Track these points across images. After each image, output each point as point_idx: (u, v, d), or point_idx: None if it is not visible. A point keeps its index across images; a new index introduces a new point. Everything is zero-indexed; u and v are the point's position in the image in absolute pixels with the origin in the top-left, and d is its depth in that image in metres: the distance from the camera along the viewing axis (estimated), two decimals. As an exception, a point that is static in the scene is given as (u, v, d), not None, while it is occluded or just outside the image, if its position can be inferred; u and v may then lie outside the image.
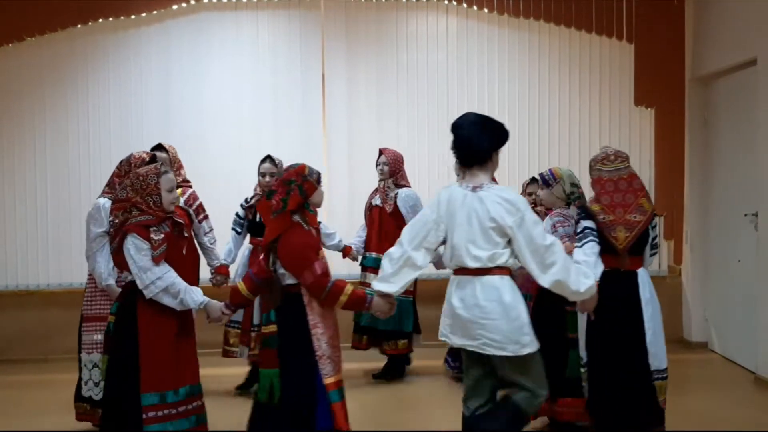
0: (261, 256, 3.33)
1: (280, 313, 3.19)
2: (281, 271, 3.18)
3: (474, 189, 3.09)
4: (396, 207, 5.09)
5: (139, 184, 3.16)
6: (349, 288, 3.16)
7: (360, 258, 5.23)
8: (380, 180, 5.21)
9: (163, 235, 3.12)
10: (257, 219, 4.76)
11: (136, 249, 3.10)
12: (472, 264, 3.05)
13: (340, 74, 6.19)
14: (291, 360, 3.15)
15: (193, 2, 6.05)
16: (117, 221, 3.18)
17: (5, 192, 6.06)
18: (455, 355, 4.90)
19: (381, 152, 5.23)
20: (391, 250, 3.24)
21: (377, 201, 5.19)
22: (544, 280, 3.01)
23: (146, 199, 3.15)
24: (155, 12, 6.02)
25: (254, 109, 6.15)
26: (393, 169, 5.16)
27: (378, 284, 3.21)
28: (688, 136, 6.17)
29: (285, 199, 3.19)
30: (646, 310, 3.59)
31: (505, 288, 3.04)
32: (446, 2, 6.18)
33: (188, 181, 4.65)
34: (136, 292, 3.13)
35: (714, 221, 5.98)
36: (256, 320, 4.69)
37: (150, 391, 3.08)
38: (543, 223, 3.82)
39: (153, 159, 4.04)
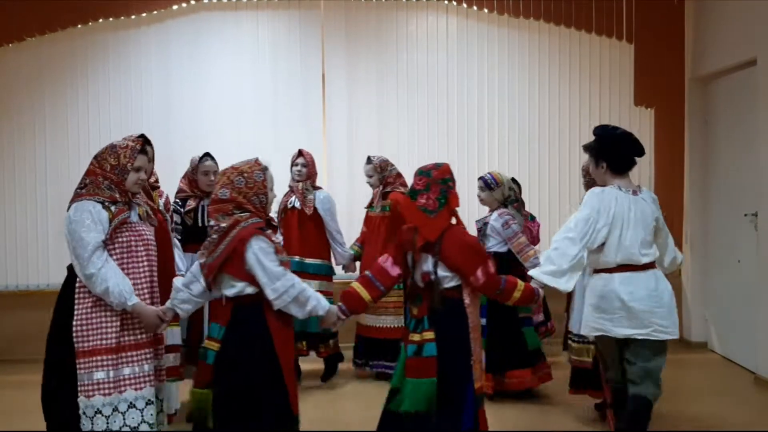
0: (387, 261, 3.13)
1: (440, 318, 3.00)
2: (443, 273, 3.02)
3: (634, 192, 3.52)
4: (315, 209, 5.01)
5: (243, 181, 2.86)
6: (521, 284, 3.13)
7: None
8: (297, 181, 5.05)
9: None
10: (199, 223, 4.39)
11: (264, 254, 2.75)
12: (645, 259, 3.41)
13: (340, 74, 6.19)
14: (450, 367, 2.98)
15: (193, 2, 6.05)
16: (222, 225, 2.79)
17: (5, 192, 6.06)
18: (360, 353, 5.18)
19: (300, 153, 5.07)
20: (563, 245, 3.34)
21: (295, 203, 5.03)
22: (669, 260, 3.73)
23: (253, 199, 2.85)
24: (155, 12, 6.02)
25: (254, 108, 6.15)
26: (311, 171, 5.07)
27: (551, 279, 3.30)
28: (688, 136, 6.17)
29: (442, 197, 3.11)
30: None
31: (665, 278, 3.54)
32: (446, 2, 6.19)
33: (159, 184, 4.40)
34: (259, 306, 2.78)
35: (714, 221, 5.98)
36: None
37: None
38: (500, 220, 4.53)
39: (144, 146, 3.49)
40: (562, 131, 6.24)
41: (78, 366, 2.85)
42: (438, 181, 3.17)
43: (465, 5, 6.15)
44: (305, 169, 5.04)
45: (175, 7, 6.02)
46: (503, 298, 3.11)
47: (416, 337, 2.99)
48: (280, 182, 5.57)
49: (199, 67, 6.11)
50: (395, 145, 6.20)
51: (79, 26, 5.96)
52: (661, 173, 6.22)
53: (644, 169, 6.26)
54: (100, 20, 5.96)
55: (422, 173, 3.24)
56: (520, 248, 4.54)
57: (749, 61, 5.23)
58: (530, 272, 3.41)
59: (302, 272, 4.80)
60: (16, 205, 6.08)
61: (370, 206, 5.25)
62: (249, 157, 6.01)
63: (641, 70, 6.18)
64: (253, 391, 2.75)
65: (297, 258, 4.92)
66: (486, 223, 4.71)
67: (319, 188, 5.16)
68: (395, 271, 3.09)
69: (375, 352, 5.11)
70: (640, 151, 3.67)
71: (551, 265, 3.32)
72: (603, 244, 3.38)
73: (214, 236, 2.81)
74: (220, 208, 2.84)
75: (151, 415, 2.94)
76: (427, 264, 3.03)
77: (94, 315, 2.90)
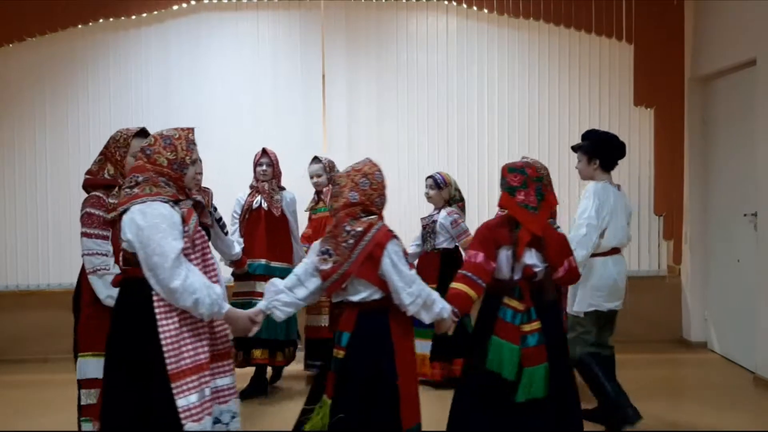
0: (480, 257, 3.15)
1: (544, 308, 3.15)
2: (544, 265, 3.17)
3: (618, 187, 4.18)
4: (283, 211, 4.89)
5: (368, 183, 2.81)
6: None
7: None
8: (262, 182, 4.91)
9: None
10: None
11: (399, 258, 2.74)
12: (627, 244, 4.24)
13: (340, 74, 6.19)
14: (554, 354, 3.13)
15: (193, 2, 6.05)
16: (357, 230, 2.75)
17: (5, 192, 6.06)
18: (313, 355, 5.02)
19: (264, 152, 4.94)
20: (590, 230, 3.92)
21: (262, 203, 4.87)
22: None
23: (377, 201, 2.82)
24: (155, 12, 6.02)
25: (254, 108, 6.15)
26: (276, 170, 4.96)
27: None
28: (688, 136, 6.18)
29: (539, 194, 3.23)
30: None
31: None
32: (446, 2, 6.19)
33: None
34: (385, 312, 2.77)
35: (714, 221, 5.98)
36: None
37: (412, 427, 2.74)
38: (449, 218, 4.91)
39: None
40: (562, 131, 6.23)
41: (173, 390, 2.51)
42: (534, 179, 3.27)
43: (465, 5, 6.15)
44: (270, 169, 4.91)
45: (175, 7, 6.02)
46: (574, 283, 3.51)
47: (527, 328, 3.08)
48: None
49: (199, 67, 6.11)
50: (395, 144, 6.21)
51: (80, 26, 5.96)
52: (660, 173, 6.22)
53: (644, 169, 6.26)
54: (101, 20, 5.96)
55: (515, 170, 3.29)
56: (468, 245, 4.62)
57: (749, 61, 5.23)
58: (580, 258, 3.67)
59: (269, 276, 4.72)
60: (16, 205, 6.08)
61: (314, 208, 5.11)
62: (249, 156, 6.05)
63: (641, 70, 6.18)
64: (367, 402, 2.74)
65: (263, 261, 4.79)
66: (434, 221, 4.98)
67: (284, 188, 5.02)
68: (491, 266, 3.14)
69: (327, 351, 4.95)
70: (624, 153, 4.29)
71: (584, 250, 3.89)
72: (604, 231, 4.01)
73: (351, 241, 2.76)
74: (351, 212, 2.81)
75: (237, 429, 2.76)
76: (532, 258, 3.15)
77: (185, 332, 2.58)
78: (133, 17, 6.01)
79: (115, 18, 5.96)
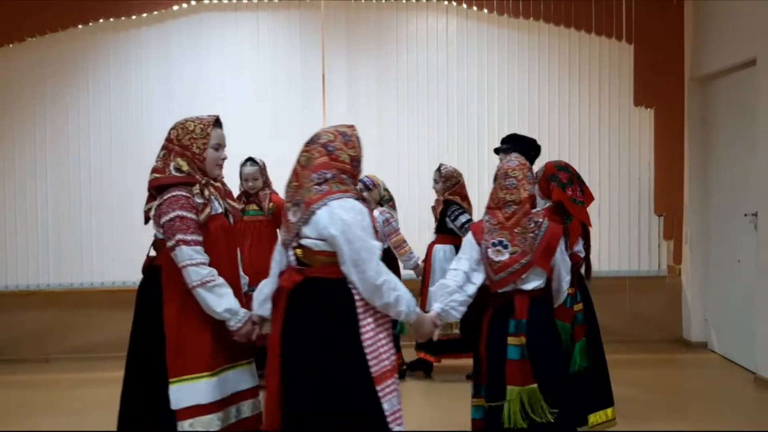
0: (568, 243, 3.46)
1: (584, 290, 3.64)
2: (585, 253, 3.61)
3: None
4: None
5: (532, 177, 3.05)
6: None
7: None
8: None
9: None
10: None
11: (563, 248, 2.99)
12: None
13: (340, 74, 6.19)
14: (590, 331, 3.62)
15: (193, 2, 6.05)
16: (538, 221, 2.87)
17: (5, 192, 6.06)
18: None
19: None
20: None
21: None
22: None
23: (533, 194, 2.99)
24: (155, 12, 6.02)
25: (254, 108, 6.15)
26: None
27: None
28: (688, 136, 6.18)
29: (582, 189, 3.66)
30: None
31: None
32: (446, 2, 6.19)
33: None
34: (549, 299, 2.98)
35: (714, 221, 5.98)
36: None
37: None
38: (381, 217, 4.97)
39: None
40: (562, 131, 6.24)
41: (378, 393, 2.49)
42: (576, 176, 3.69)
43: (465, 5, 6.15)
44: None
45: (175, 7, 6.03)
46: None
47: (576, 308, 3.52)
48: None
49: (199, 67, 6.12)
50: (395, 144, 6.21)
51: (80, 26, 5.97)
52: (660, 173, 6.22)
53: (644, 169, 6.26)
54: (101, 20, 5.96)
55: (563, 168, 3.71)
56: (398, 244, 5.07)
57: (749, 61, 5.23)
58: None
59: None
60: (16, 205, 6.08)
61: (244, 210, 4.88)
62: (248, 156, 6.03)
63: (641, 70, 6.18)
64: (556, 388, 2.84)
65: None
66: None
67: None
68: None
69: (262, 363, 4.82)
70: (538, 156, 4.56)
71: None
72: None
73: (532, 234, 2.83)
74: (531, 205, 2.92)
75: None
76: (578, 246, 3.55)
77: (380, 333, 2.55)
78: (133, 17, 6.01)
79: (115, 18, 5.96)
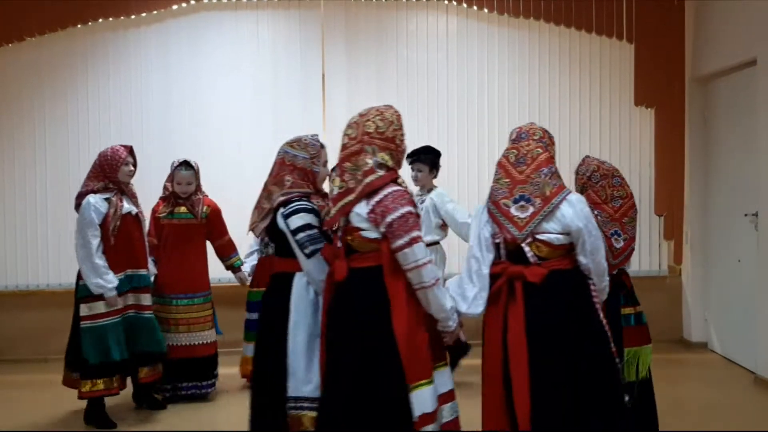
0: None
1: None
2: None
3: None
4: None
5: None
6: None
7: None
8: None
9: None
10: None
11: None
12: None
13: (340, 74, 6.19)
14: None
15: (193, 2, 6.05)
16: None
17: (5, 192, 6.06)
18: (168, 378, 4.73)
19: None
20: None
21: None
22: None
23: None
24: (155, 12, 6.02)
25: (254, 108, 6.15)
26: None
27: None
28: (688, 136, 6.17)
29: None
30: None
31: None
32: (446, 2, 6.18)
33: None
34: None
35: (714, 221, 5.98)
36: None
37: None
38: None
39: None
40: (562, 131, 6.22)
41: None
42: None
43: (465, 5, 6.15)
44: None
45: (175, 7, 6.02)
46: None
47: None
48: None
49: (198, 66, 6.11)
50: (395, 145, 6.19)
51: (79, 26, 5.96)
52: (661, 173, 6.22)
53: (645, 169, 6.26)
54: (100, 20, 5.96)
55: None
56: None
57: (749, 61, 5.23)
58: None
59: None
60: (16, 205, 6.08)
61: (172, 212, 4.71)
62: (249, 156, 6.03)
63: (641, 70, 6.18)
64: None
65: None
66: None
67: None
68: None
69: (186, 373, 4.68)
70: None
71: None
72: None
73: (632, 225, 3.31)
74: None
75: None
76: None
77: None
78: (133, 17, 6.01)
79: (115, 18, 5.96)
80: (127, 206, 4.28)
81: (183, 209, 4.72)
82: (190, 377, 4.71)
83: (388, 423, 2.58)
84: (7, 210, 6.06)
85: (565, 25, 6.13)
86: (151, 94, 6.07)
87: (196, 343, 4.72)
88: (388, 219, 2.62)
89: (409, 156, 4.84)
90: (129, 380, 4.39)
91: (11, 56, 6.00)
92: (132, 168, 4.34)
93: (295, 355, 2.95)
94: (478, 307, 2.78)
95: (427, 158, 4.89)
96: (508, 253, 2.78)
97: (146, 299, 4.33)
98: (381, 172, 2.69)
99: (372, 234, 2.68)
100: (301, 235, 2.96)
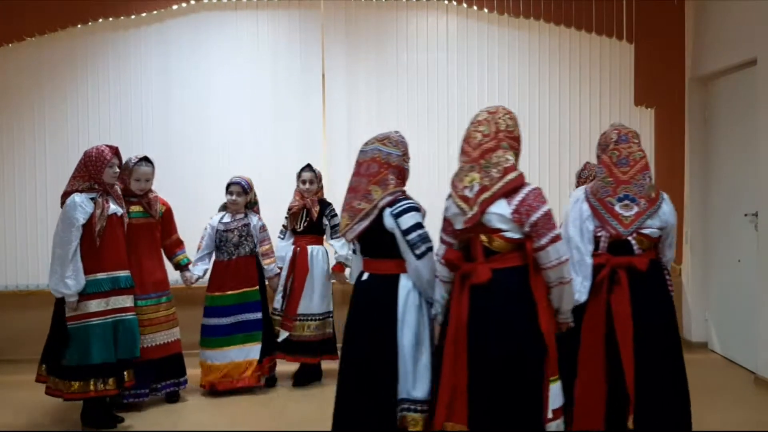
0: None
1: None
2: None
3: None
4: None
5: None
6: None
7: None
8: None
9: None
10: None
11: None
12: None
13: (340, 74, 6.18)
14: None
15: (193, 2, 6.05)
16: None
17: (5, 192, 6.06)
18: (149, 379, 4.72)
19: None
20: None
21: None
22: None
23: None
24: (155, 12, 6.01)
25: (254, 108, 6.14)
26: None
27: None
28: (688, 136, 6.17)
29: None
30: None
31: None
32: (446, 2, 6.18)
33: None
34: None
35: (714, 221, 5.98)
36: (301, 309, 5.04)
37: None
38: (260, 223, 5.09)
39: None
40: (562, 131, 6.23)
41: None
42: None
43: (465, 5, 6.15)
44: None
45: (175, 7, 6.02)
46: None
47: None
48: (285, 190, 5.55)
49: (198, 66, 6.11)
50: (395, 145, 6.19)
51: (79, 26, 5.96)
52: (661, 173, 6.21)
53: (644, 169, 6.25)
54: (100, 20, 5.95)
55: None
56: (267, 252, 5.11)
57: (749, 61, 5.23)
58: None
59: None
60: (16, 205, 6.08)
61: (129, 212, 4.57)
62: (249, 156, 6.00)
63: (641, 70, 6.18)
64: None
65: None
66: (247, 224, 5.03)
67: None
68: None
69: (165, 371, 4.72)
70: None
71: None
72: None
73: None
74: None
75: None
76: None
77: None
78: (133, 17, 6.00)
79: (114, 18, 5.95)
80: (113, 207, 4.26)
81: (138, 208, 4.64)
82: (167, 375, 4.75)
83: (529, 417, 2.70)
84: (7, 210, 6.05)
85: (565, 25, 6.13)
86: (151, 94, 6.07)
87: (170, 340, 4.74)
88: (533, 218, 2.69)
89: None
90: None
91: (11, 56, 6.00)
92: (117, 170, 4.30)
93: (404, 358, 2.96)
94: (582, 296, 3.10)
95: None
96: (609, 246, 3.18)
97: (130, 300, 4.30)
98: (519, 171, 2.75)
99: (515, 234, 2.73)
100: (412, 234, 2.97)
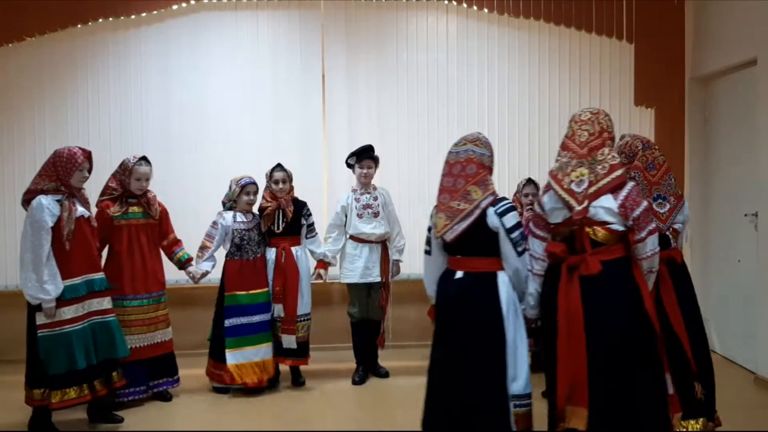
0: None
1: None
2: None
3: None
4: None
5: None
6: None
7: None
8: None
9: None
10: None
11: None
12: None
13: (340, 74, 6.18)
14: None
15: (193, 2, 6.05)
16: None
17: (5, 192, 6.06)
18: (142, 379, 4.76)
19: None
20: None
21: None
22: None
23: None
24: (155, 12, 6.02)
25: (254, 108, 6.14)
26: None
27: None
28: (688, 136, 6.17)
29: None
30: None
31: None
32: (446, 2, 6.18)
33: None
34: None
35: (714, 221, 5.98)
36: (300, 311, 5.05)
37: None
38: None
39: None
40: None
41: None
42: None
43: (465, 5, 6.15)
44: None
45: (175, 7, 6.02)
46: None
47: None
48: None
49: (198, 66, 6.11)
50: (395, 144, 6.20)
51: (79, 26, 5.96)
52: (661, 173, 6.21)
53: (644, 169, 6.25)
54: (100, 20, 5.95)
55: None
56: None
57: (749, 60, 5.23)
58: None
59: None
60: (16, 205, 6.06)
61: (126, 213, 4.66)
62: (249, 156, 6.00)
63: (641, 70, 6.18)
64: None
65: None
66: (259, 224, 5.09)
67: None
68: None
69: (159, 370, 4.79)
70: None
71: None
72: None
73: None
74: None
75: None
76: None
77: None
78: (133, 17, 6.00)
79: (114, 18, 5.96)
80: (80, 209, 4.19)
81: (136, 209, 4.67)
82: (161, 374, 4.80)
83: (650, 396, 2.96)
84: (7, 210, 6.05)
85: (565, 25, 6.13)
86: (151, 94, 6.07)
87: (165, 339, 4.80)
88: (636, 212, 2.98)
89: (357, 154, 5.19)
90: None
91: (11, 56, 5.99)
92: (87, 174, 4.22)
93: (509, 353, 3.13)
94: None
95: (376, 156, 5.30)
96: None
97: (107, 302, 4.27)
98: (624, 168, 3.08)
99: (619, 227, 3.01)
100: (515, 233, 3.15)
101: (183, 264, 4.93)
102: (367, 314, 5.31)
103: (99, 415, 4.36)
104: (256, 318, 4.93)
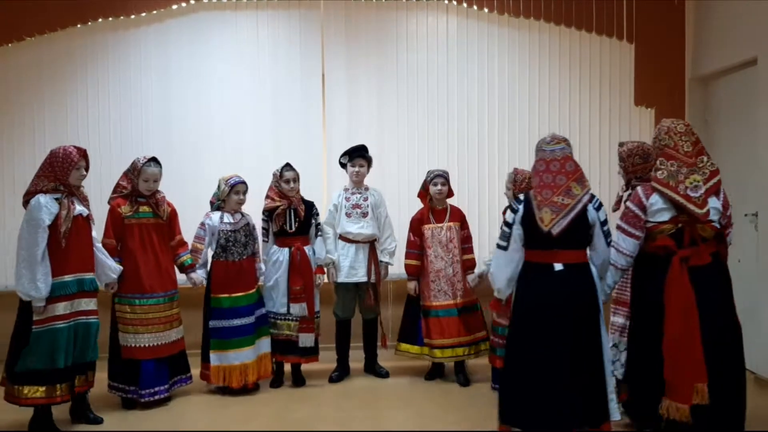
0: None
1: None
2: None
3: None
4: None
5: None
6: None
7: None
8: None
9: None
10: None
11: None
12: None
13: (340, 74, 6.18)
14: None
15: (192, 2, 6.05)
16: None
17: (4, 192, 6.06)
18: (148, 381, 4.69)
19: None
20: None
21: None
22: None
23: None
24: (155, 12, 6.02)
25: (254, 109, 6.14)
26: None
27: None
28: (689, 136, 6.16)
29: None
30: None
31: None
32: (446, 2, 6.18)
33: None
34: None
35: (714, 221, 5.97)
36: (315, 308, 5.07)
37: None
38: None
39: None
40: (562, 131, 6.19)
41: None
42: None
43: (465, 5, 6.15)
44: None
45: (175, 6, 6.02)
46: None
47: None
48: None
49: (198, 66, 6.11)
50: (395, 144, 6.20)
51: (79, 26, 5.96)
52: (661, 173, 6.21)
53: (644, 169, 6.25)
54: (100, 20, 5.95)
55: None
56: (257, 251, 5.16)
57: (750, 60, 5.23)
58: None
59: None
60: (15, 205, 6.05)
61: (137, 212, 4.67)
62: (249, 156, 5.98)
63: (641, 70, 6.18)
64: None
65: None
66: (248, 224, 5.09)
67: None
68: None
69: (176, 368, 4.81)
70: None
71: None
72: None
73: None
74: None
75: None
76: None
77: None
78: (132, 16, 6.00)
79: (114, 18, 5.96)
80: (79, 208, 4.21)
81: (146, 208, 4.70)
82: (178, 372, 4.83)
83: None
84: (7, 210, 6.05)
85: (565, 25, 6.13)
86: (151, 94, 6.06)
87: (180, 337, 4.83)
88: (729, 211, 3.55)
89: (350, 153, 5.21)
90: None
91: (10, 56, 5.99)
92: (84, 172, 4.24)
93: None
94: None
95: (369, 156, 5.30)
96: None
97: (93, 303, 4.26)
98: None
99: (718, 224, 3.49)
100: (606, 226, 3.52)
101: (185, 268, 4.93)
102: (351, 314, 5.31)
103: (80, 416, 4.38)
104: (236, 322, 4.87)
